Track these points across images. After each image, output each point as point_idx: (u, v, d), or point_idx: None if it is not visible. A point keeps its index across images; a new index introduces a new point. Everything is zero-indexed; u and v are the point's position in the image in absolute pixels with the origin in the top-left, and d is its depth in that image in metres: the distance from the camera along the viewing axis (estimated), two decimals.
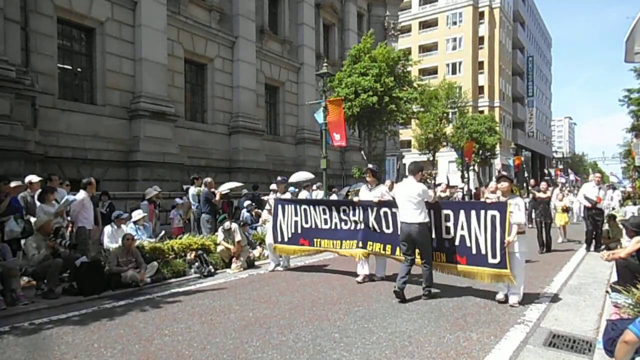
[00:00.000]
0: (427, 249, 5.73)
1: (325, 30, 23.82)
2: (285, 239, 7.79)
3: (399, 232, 5.98)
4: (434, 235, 5.94)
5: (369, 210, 6.78)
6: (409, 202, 5.68)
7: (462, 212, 5.72)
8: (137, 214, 8.55)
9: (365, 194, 7.01)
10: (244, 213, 11.69)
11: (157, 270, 6.95)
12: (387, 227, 6.56)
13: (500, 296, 5.55)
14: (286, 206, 7.89)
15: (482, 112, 45.78)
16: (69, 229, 7.51)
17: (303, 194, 12.57)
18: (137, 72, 13.56)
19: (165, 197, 11.37)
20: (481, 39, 52.08)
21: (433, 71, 51.38)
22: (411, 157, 42.63)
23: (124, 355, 3.88)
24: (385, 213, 6.54)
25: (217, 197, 8.83)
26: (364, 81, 17.78)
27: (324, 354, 3.86)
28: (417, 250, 5.83)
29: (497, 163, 40.95)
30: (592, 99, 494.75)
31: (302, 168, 18.00)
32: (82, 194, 7.41)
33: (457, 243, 5.75)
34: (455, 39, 51.98)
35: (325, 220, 7.39)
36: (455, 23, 52.07)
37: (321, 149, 15.05)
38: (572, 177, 54.25)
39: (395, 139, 27.07)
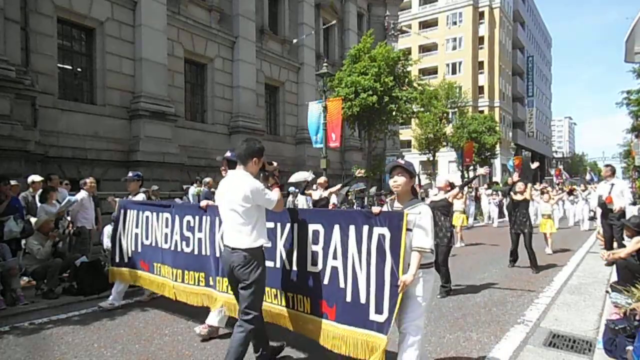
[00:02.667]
0: (252, 293, 3.27)
1: (325, 30, 23.83)
2: (125, 259, 5.44)
3: None
4: (295, 267, 3.64)
5: (217, 223, 4.19)
6: (231, 211, 3.31)
7: (336, 228, 3.39)
8: None
9: None
10: None
11: None
12: None
13: None
14: (129, 212, 5.50)
15: (482, 112, 45.77)
16: (69, 228, 7.53)
17: (302, 196, 12.52)
18: (137, 72, 13.55)
19: (165, 197, 11.36)
20: (481, 39, 52.11)
21: (433, 71, 51.40)
22: (411, 157, 42.75)
23: (124, 355, 3.89)
24: None
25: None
26: (363, 80, 17.78)
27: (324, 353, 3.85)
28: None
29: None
30: (592, 99, 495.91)
31: (302, 168, 18.00)
32: (81, 194, 7.45)
33: (326, 281, 3.41)
34: (455, 39, 51.99)
35: (166, 235, 4.88)
36: (455, 23, 52.08)
37: (321, 149, 15.07)
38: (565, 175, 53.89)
39: (395, 138, 27.07)
